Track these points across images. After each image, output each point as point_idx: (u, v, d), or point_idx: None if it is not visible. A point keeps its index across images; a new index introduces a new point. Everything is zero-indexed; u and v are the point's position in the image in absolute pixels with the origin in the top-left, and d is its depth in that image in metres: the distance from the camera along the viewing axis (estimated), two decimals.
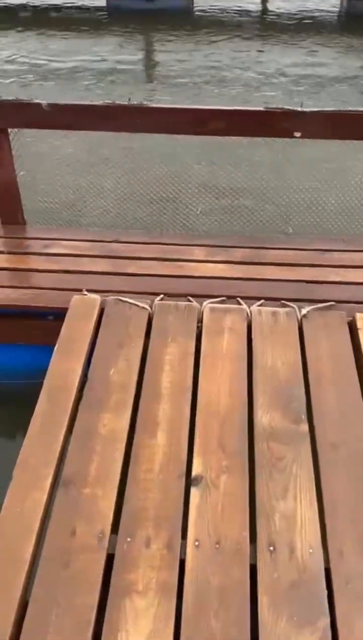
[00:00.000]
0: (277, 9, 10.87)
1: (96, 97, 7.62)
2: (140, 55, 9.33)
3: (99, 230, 3.16)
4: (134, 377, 2.14)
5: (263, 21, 10.75)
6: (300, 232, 3.04)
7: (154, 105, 2.70)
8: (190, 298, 2.56)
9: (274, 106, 2.68)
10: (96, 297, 2.48)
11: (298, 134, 2.71)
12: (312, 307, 2.45)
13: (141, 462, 1.86)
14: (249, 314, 2.44)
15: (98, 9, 10.93)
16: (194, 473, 1.82)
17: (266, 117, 2.69)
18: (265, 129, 2.73)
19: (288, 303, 2.51)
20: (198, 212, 3.03)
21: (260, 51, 9.43)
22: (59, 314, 2.49)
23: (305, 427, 1.96)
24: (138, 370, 2.17)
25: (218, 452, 1.88)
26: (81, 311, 2.42)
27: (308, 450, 1.89)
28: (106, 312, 2.43)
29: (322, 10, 10.64)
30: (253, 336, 2.33)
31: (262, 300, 2.55)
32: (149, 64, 9.18)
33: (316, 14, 10.64)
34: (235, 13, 10.86)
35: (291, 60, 8.96)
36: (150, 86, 8.17)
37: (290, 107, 2.64)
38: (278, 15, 10.84)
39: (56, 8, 10.92)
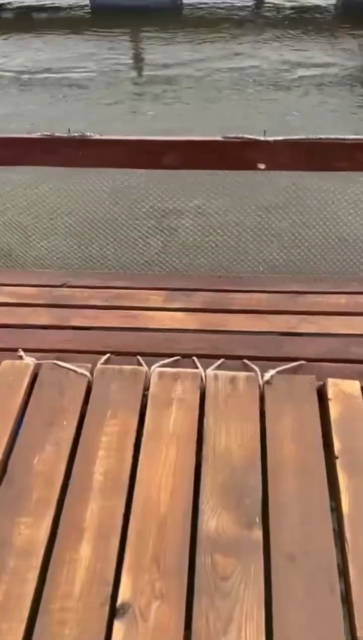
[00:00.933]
0: (271, 2, 10.58)
1: (75, 105, 7.38)
2: (125, 57, 9.07)
3: (47, 272, 2.90)
4: (62, 467, 1.88)
5: (256, 16, 10.46)
6: (272, 270, 2.78)
7: (98, 137, 2.43)
8: (140, 358, 2.30)
9: (233, 135, 2.40)
10: (29, 362, 2.22)
11: (262, 166, 2.44)
12: (277, 370, 2.18)
13: (58, 583, 1.59)
14: (203, 379, 2.17)
15: (81, 7, 10.67)
16: (120, 600, 1.55)
17: (225, 147, 2.41)
18: (225, 161, 2.45)
19: (249, 364, 2.24)
20: (158, 247, 2.77)
21: (254, 49, 9.16)
22: None
23: (258, 533, 1.69)
24: (68, 458, 1.90)
25: (151, 570, 1.61)
26: (10, 380, 2.16)
27: (260, 565, 1.62)
28: (38, 380, 2.17)
29: (318, 3, 10.34)
30: (206, 409, 2.06)
31: (222, 360, 2.28)
32: (134, 66, 8.92)
33: (313, 6, 10.34)
34: (226, 8, 10.57)
35: (287, 59, 8.68)
36: (135, 93, 7.91)
37: (252, 136, 2.37)
38: (272, 9, 10.54)
39: (38, 8, 10.66)
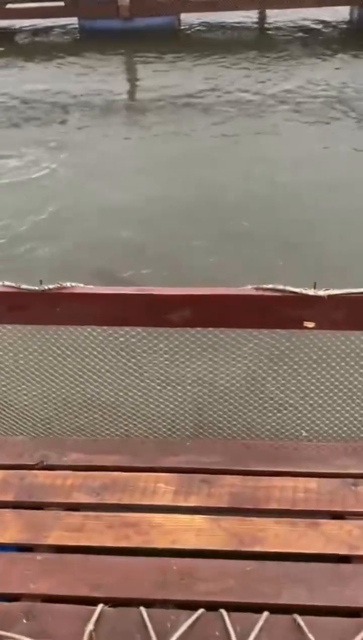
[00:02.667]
0: (276, 23, 10.06)
1: (53, 145, 6.80)
2: (115, 86, 8.52)
3: (16, 441, 2.27)
4: None
5: (262, 38, 9.92)
6: (319, 437, 2.18)
7: (80, 289, 1.82)
8: (144, 612, 1.67)
9: (269, 286, 1.80)
10: None
11: (310, 325, 1.84)
12: None
13: None
14: None
15: (69, 30, 10.15)
16: None
17: (259, 303, 1.81)
18: (258, 318, 1.85)
19: (304, 628, 1.61)
20: (165, 404, 2.16)
21: (262, 76, 8.62)
22: None
23: None
24: None
25: None
26: None
27: None
28: None
29: (327, 23, 9.82)
30: None
31: (265, 615, 1.64)
32: (127, 97, 8.37)
33: (322, 27, 9.82)
34: (228, 30, 10.04)
35: (297, 86, 8.14)
36: (126, 128, 7.35)
37: (296, 289, 1.77)
38: (278, 30, 10.03)
39: (22, 31, 10.15)
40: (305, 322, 1.82)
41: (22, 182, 6.01)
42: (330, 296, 1.77)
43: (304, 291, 1.77)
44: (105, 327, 1.92)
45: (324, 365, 1.96)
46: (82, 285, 1.83)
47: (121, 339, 1.93)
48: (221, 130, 6.95)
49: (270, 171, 5.78)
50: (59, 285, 1.82)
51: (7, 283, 1.84)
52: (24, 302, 1.85)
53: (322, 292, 1.77)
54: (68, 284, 1.83)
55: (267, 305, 1.81)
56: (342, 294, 1.77)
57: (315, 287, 1.76)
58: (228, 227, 4.91)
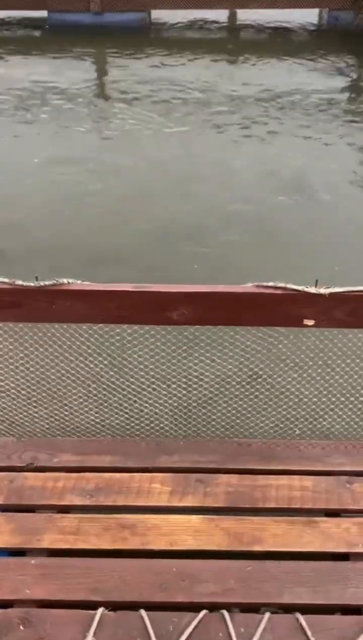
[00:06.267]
0: (246, 22, 10.10)
1: (21, 144, 6.68)
2: (85, 83, 8.43)
3: (5, 441, 2.20)
4: None
5: (231, 37, 9.96)
6: (313, 435, 2.17)
7: (77, 286, 1.79)
8: (145, 616, 1.63)
9: (270, 284, 1.79)
10: None
11: (310, 323, 1.84)
12: None
13: None
14: None
15: (38, 24, 9.99)
16: None
17: (260, 301, 1.81)
18: (258, 316, 1.85)
19: (305, 627, 1.61)
20: (160, 406, 2.13)
21: (229, 75, 8.65)
22: None
23: None
24: None
25: None
26: None
27: None
28: None
29: (297, 24, 9.91)
30: None
31: (267, 616, 1.64)
32: (97, 94, 8.29)
33: (291, 27, 9.91)
34: (199, 28, 10.05)
35: (267, 89, 8.19)
36: (96, 126, 7.28)
37: (297, 287, 1.77)
38: (248, 29, 10.07)
39: None
40: (304, 320, 1.83)
41: None
42: (331, 294, 1.78)
43: (305, 289, 1.77)
44: (101, 325, 1.90)
45: (320, 363, 1.97)
46: (79, 281, 1.80)
47: (117, 337, 1.90)
48: (184, 127, 6.95)
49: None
50: (55, 282, 1.79)
51: (0, 279, 1.79)
52: (18, 299, 1.80)
53: (323, 290, 1.77)
54: (65, 281, 1.79)
55: (268, 303, 1.80)
56: (343, 292, 1.77)
57: (316, 285, 1.77)
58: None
